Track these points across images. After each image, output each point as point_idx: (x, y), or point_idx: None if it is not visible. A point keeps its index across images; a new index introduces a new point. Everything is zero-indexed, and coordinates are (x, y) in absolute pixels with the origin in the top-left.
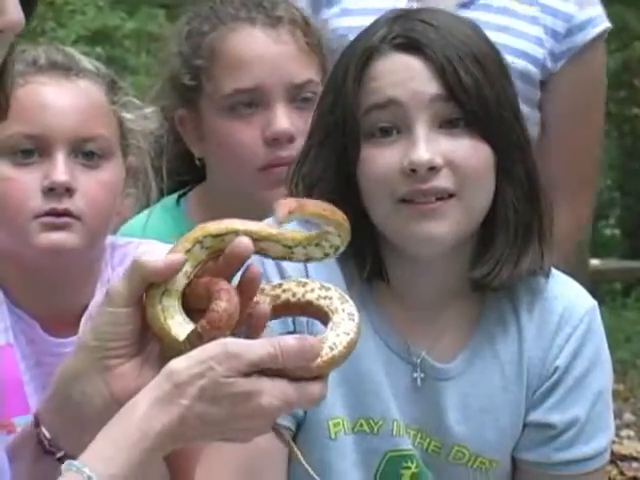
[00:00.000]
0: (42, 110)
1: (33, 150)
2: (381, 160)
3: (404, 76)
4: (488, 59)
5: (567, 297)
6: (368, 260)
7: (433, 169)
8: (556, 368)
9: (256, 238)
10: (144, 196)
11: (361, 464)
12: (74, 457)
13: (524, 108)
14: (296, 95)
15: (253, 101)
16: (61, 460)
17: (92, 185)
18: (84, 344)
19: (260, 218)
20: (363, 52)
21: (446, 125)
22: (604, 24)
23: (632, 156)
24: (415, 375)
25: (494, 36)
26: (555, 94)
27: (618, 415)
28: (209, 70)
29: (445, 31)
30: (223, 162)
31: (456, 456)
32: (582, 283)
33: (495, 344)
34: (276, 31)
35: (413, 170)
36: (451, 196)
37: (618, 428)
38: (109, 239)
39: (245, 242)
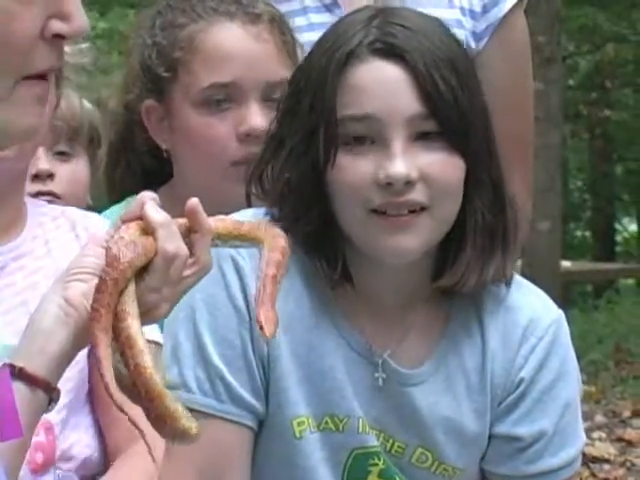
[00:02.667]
0: None
1: None
2: (355, 169)
3: (383, 89)
4: (461, 62)
5: (532, 308)
6: (338, 265)
7: (409, 183)
8: (521, 380)
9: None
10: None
11: (328, 461)
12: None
13: None
14: (271, 93)
15: (228, 96)
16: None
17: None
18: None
19: (228, 214)
20: (340, 56)
21: (422, 137)
22: None
23: (603, 158)
24: (377, 375)
25: None
26: (484, 72)
27: (590, 417)
28: (187, 62)
29: (422, 35)
30: (194, 155)
31: (419, 459)
32: (554, 285)
33: (460, 353)
34: (256, 28)
35: (389, 183)
36: (423, 209)
37: (590, 430)
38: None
39: None
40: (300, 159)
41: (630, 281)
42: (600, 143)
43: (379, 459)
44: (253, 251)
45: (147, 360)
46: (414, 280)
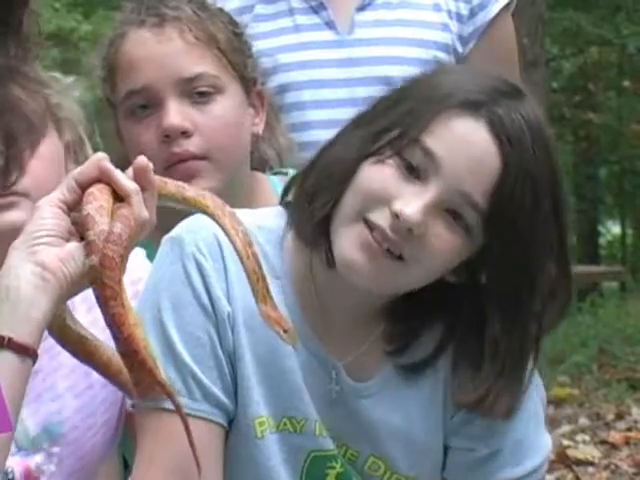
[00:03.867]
0: None
1: None
2: (387, 179)
3: (470, 156)
4: (544, 185)
5: None
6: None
7: (410, 232)
8: None
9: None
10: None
11: (287, 462)
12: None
13: None
14: (190, 90)
15: (147, 101)
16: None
17: (35, 162)
18: (15, 245)
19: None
20: (465, 97)
21: (452, 214)
22: None
23: (587, 161)
24: (330, 384)
25: (398, 32)
26: None
27: (573, 420)
28: (110, 79)
29: (530, 140)
30: None
31: (372, 467)
32: None
33: (412, 365)
34: (162, 30)
35: (397, 215)
36: (400, 258)
37: (573, 433)
38: None
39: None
40: (365, 143)
41: (614, 284)
42: (584, 146)
43: (337, 462)
44: (214, 250)
45: (140, 332)
46: (371, 299)
